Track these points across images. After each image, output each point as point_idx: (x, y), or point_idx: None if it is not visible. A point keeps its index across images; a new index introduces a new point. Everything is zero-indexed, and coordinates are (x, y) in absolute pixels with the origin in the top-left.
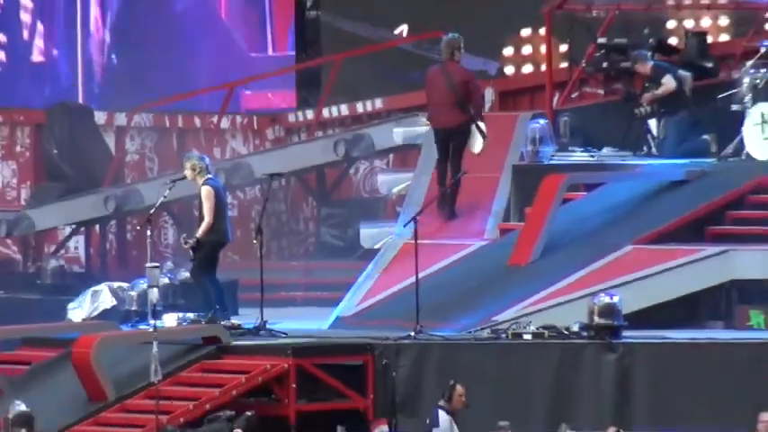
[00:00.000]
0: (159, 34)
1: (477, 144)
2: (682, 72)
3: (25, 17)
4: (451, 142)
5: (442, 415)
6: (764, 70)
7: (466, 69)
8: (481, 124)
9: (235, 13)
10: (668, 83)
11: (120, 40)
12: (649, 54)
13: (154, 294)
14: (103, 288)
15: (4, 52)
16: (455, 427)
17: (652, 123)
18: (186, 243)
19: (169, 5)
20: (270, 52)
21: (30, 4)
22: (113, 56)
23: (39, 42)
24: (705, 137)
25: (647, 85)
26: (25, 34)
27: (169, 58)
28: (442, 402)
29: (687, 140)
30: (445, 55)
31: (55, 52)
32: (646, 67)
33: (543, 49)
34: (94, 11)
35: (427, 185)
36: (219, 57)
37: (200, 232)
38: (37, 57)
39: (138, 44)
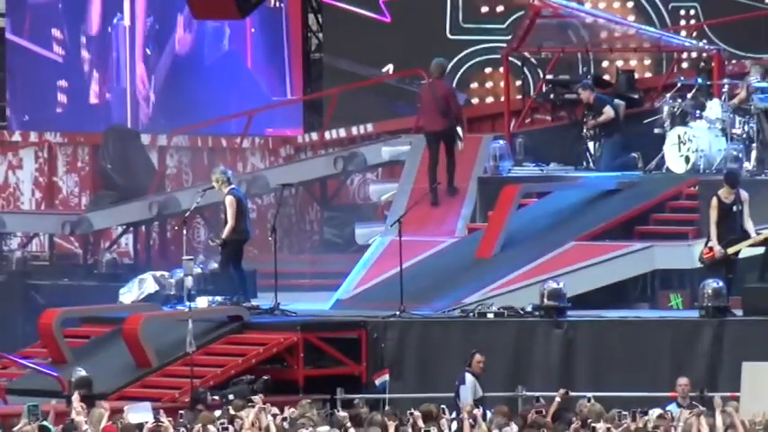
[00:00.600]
0: (195, 84)
1: (457, 144)
2: (617, 101)
3: (84, 67)
4: (442, 143)
5: (468, 376)
6: (680, 100)
7: (447, 85)
8: (459, 129)
9: (259, 64)
10: (608, 112)
11: (162, 93)
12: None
13: (189, 281)
14: (148, 276)
15: (66, 96)
16: (478, 386)
17: (590, 143)
18: (212, 241)
19: (200, 58)
20: (288, 96)
21: (87, 55)
22: (155, 99)
23: (94, 87)
24: (634, 155)
25: (586, 112)
26: (83, 81)
27: (203, 102)
28: (466, 368)
29: (619, 157)
30: (435, 74)
31: (108, 95)
32: (590, 97)
33: (502, 83)
34: (140, 67)
35: (409, 193)
36: (246, 99)
37: (225, 233)
38: (93, 99)
39: (176, 92)
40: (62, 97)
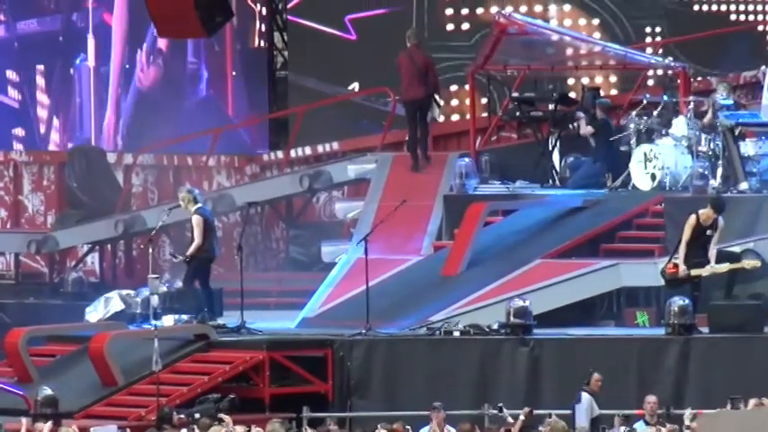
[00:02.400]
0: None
1: (435, 112)
2: (620, 137)
3: (42, 113)
4: (418, 111)
5: (584, 395)
6: (646, 118)
7: (425, 54)
8: (437, 97)
9: (241, 111)
10: (587, 130)
11: (133, 133)
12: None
13: (155, 300)
14: (114, 295)
15: (22, 145)
16: (594, 404)
17: (555, 160)
18: (175, 258)
19: (179, 100)
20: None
21: (46, 101)
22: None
23: (54, 136)
24: (605, 174)
25: (552, 130)
26: (42, 128)
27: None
28: (584, 386)
29: (591, 176)
30: (412, 41)
31: (69, 145)
32: (602, 115)
33: (468, 101)
34: (110, 108)
35: (375, 211)
36: (228, 149)
37: (190, 250)
38: (52, 148)
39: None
40: (18, 146)
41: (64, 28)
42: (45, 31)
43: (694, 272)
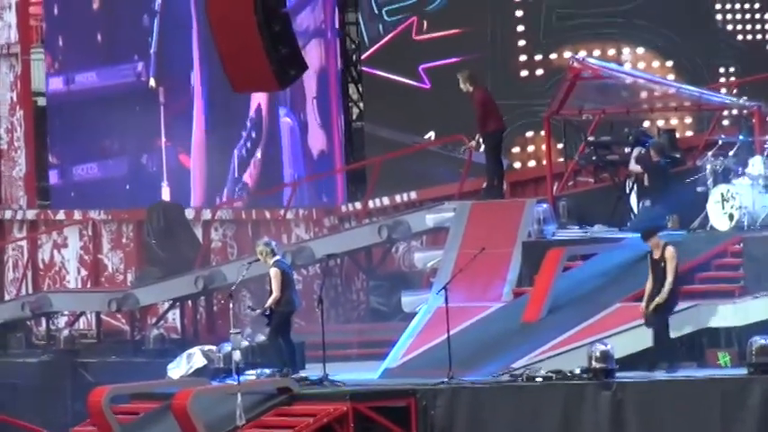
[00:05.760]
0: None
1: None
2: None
3: None
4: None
5: None
6: (722, 158)
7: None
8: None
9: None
10: (633, 167)
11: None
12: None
13: (237, 355)
14: (196, 351)
15: None
16: None
17: (633, 203)
18: (253, 311)
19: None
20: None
21: None
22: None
23: None
24: (667, 216)
25: (628, 173)
26: None
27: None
28: None
29: (650, 221)
30: (478, 82)
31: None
32: (656, 157)
33: (544, 146)
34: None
35: (455, 260)
36: (312, 202)
37: (268, 303)
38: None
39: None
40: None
41: (132, 173)
42: (108, 177)
43: (651, 305)
